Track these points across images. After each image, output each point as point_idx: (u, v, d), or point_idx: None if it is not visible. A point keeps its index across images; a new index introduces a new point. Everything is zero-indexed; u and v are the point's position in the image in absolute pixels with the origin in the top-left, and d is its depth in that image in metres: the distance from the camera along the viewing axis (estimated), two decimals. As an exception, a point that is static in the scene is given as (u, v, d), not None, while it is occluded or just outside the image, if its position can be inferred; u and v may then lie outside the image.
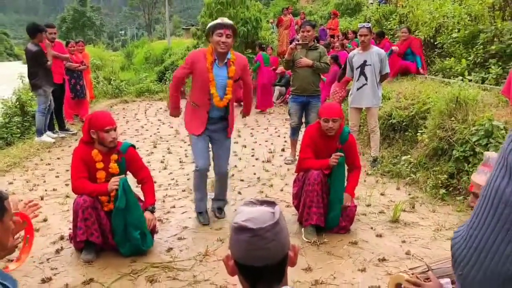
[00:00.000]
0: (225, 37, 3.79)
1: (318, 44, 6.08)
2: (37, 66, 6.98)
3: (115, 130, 3.49)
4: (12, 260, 2.69)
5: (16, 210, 2.16)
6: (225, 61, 3.92)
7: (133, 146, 3.77)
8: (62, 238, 3.88)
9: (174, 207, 4.60)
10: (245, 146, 7.24)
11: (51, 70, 7.17)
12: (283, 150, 7.02)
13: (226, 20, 3.87)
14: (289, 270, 1.30)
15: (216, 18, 14.98)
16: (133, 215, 3.44)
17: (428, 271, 2.18)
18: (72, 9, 58.55)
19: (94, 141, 3.51)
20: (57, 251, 3.66)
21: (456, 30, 8.27)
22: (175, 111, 4.29)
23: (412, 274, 2.11)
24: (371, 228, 4.04)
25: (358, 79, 5.83)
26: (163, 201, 4.76)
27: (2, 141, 8.00)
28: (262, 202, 1.28)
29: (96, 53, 22.97)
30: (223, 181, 4.33)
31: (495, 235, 0.85)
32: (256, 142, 7.62)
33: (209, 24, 3.90)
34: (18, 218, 2.15)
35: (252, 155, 6.70)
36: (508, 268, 0.85)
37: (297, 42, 5.77)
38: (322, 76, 6.57)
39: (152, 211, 3.68)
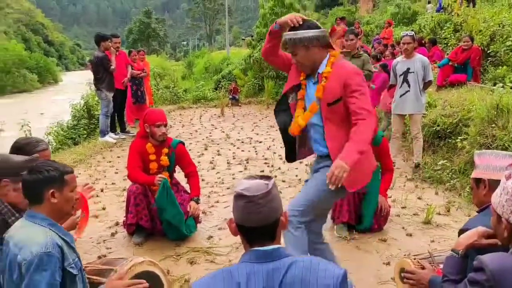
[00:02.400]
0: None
1: (361, 52, 6.26)
2: (102, 71, 7.67)
3: (165, 126, 3.91)
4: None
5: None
6: (316, 75, 3.61)
7: (182, 142, 4.18)
8: (117, 224, 4.36)
9: (218, 202, 4.97)
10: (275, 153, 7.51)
11: (113, 77, 7.84)
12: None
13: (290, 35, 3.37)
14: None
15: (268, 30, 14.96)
16: (170, 212, 3.76)
17: (429, 257, 2.37)
18: (138, 21, 61.70)
19: (148, 135, 3.95)
20: (112, 234, 4.13)
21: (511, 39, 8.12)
22: None
23: (414, 259, 2.31)
24: (403, 228, 4.18)
25: (401, 86, 5.94)
26: (208, 196, 5.14)
27: (70, 141, 8.82)
28: (261, 177, 1.57)
29: (159, 63, 24.22)
30: None
31: None
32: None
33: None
34: (79, 196, 2.59)
35: (297, 159, 6.94)
36: None
37: (340, 50, 6.00)
38: (370, 84, 6.72)
39: (197, 202, 4.05)
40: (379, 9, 25.08)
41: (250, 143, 8.17)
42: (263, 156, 7.17)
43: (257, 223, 1.50)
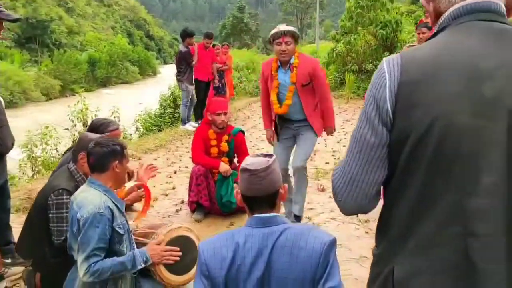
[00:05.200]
0: (284, 45, 3.71)
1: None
2: (184, 65, 8.26)
3: (224, 114, 4.24)
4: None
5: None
6: (288, 66, 3.85)
7: (242, 131, 4.49)
8: (182, 202, 4.81)
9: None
10: (344, 146, 7.52)
11: (193, 71, 8.40)
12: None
13: (284, 27, 3.77)
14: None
15: (356, 22, 14.93)
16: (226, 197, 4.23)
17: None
18: (232, 16, 63.54)
19: (211, 123, 4.31)
20: (177, 211, 4.59)
21: None
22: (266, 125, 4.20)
23: None
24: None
25: None
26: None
27: (156, 128, 9.59)
28: (264, 155, 1.79)
29: (248, 56, 24.94)
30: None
31: (362, 168, 1.24)
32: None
33: (270, 34, 3.86)
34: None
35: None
36: (371, 191, 1.24)
37: (409, 45, 5.91)
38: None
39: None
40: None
41: (322, 136, 8.26)
42: (331, 148, 7.26)
43: (258, 193, 1.72)
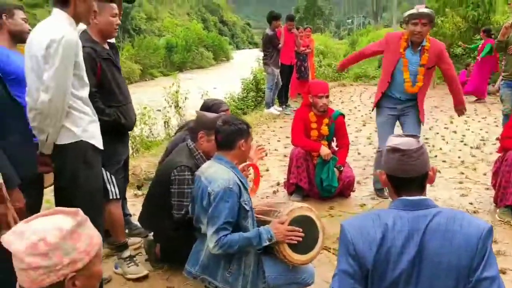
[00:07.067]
0: (420, 26, 3.83)
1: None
2: (271, 48, 8.27)
3: (326, 97, 4.18)
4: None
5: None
6: (419, 48, 3.97)
7: (342, 114, 4.42)
8: (278, 184, 4.85)
9: (372, 174, 5.10)
10: (455, 132, 7.15)
11: (279, 54, 8.38)
12: (498, 139, 6.68)
13: (422, 9, 3.90)
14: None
15: (444, 3, 14.25)
16: (327, 181, 4.20)
17: None
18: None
19: (311, 105, 4.28)
20: (274, 192, 4.64)
21: None
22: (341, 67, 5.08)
23: None
24: None
25: None
26: (364, 169, 5.33)
27: (240, 111, 9.74)
28: (408, 135, 1.72)
29: (322, 41, 24.60)
30: None
31: None
32: (469, 129, 7.40)
33: (406, 13, 3.98)
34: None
35: (461, 141, 6.61)
36: None
37: (507, 25, 5.45)
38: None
39: (339, 170, 4.27)
40: None
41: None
42: (424, 136, 6.96)
43: (409, 174, 1.66)
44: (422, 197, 1.67)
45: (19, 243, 1.09)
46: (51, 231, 1.11)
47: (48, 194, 2.96)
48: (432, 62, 4.04)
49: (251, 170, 3.02)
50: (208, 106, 3.38)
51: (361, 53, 4.68)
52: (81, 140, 2.31)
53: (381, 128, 4.36)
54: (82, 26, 2.65)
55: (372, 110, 4.53)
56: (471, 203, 4.27)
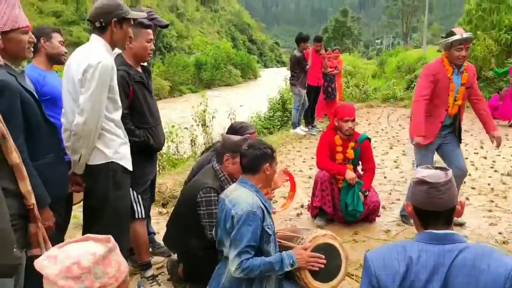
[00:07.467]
0: (465, 50, 3.88)
1: None
2: (298, 69, 8.33)
3: (352, 121, 4.18)
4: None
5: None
6: (461, 70, 4.04)
7: (368, 138, 4.40)
8: (302, 206, 4.83)
9: (399, 199, 5.03)
10: (485, 158, 7.00)
11: (306, 75, 8.43)
12: (530, 166, 6.50)
13: (466, 34, 3.88)
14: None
15: (476, 26, 14.14)
16: (352, 206, 4.16)
17: None
18: (334, 20, 63.01)
19: (337, 128, 4.28)
20: (298, 215, 4.62)
21: None
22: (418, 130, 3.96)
23: None
24: None
25: None
26: (390, 194, 5.25)
27: (266, 130, 9.80)
28: (436, 168, 1.71)
29: (350, 61, 24.55)
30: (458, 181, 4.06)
31: None
32: (499, 155, 7.22)
33: (449, 39, 3.89)
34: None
35: (492, 167, 6.46)
36: None
37: None
38: None
39: (364, 194, 4.24)
40: None
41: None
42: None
43: (436, 208, 1.64)
44: (448, 231, 1.66)
45: (53, 267, 1.14)
46: (84, 256, 1.16)
47: (76, 210, 3.07)
48: (470, 82, 4.09)
49: (281, 188, 3.06)
50: (235, 129, 3.43)
51: (421, 106, 3.95)
52: (112, 162, 2.39)
53: (423, 159, 4.07)
54: (117, 50, 2.76)
55: (429, 142, 4.08)
56: (500, 233, 4.16)
